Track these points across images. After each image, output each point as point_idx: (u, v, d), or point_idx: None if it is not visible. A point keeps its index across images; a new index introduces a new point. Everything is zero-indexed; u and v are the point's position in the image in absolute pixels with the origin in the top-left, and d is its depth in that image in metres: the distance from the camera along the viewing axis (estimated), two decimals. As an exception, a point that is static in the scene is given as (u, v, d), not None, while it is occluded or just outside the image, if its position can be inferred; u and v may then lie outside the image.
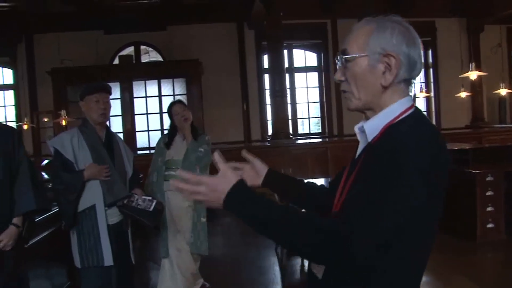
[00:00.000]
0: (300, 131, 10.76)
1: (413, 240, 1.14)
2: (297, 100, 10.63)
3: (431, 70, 10.60)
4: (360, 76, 1.19)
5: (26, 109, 9.59)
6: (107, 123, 3.12)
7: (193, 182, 1.14)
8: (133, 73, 9.45)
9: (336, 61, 1.24)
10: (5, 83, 10.12)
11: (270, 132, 9.58)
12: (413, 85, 1.23)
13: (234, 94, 9.96)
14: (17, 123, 9.50)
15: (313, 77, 10.70)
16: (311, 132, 10.87)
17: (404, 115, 1.17)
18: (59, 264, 3.96)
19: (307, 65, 10.70)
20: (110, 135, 3.05)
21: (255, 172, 1.54)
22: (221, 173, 1.13)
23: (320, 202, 1.40)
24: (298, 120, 10.75)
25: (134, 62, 9.76)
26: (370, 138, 1.21)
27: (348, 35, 1.22)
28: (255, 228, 1.13)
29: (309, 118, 10.90)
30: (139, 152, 8.74)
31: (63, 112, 8.17)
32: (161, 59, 9.95)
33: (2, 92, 10.14)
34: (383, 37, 1.14)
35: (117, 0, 8.64)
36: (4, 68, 10.08)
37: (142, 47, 10.28)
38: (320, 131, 10.79)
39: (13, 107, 10.00)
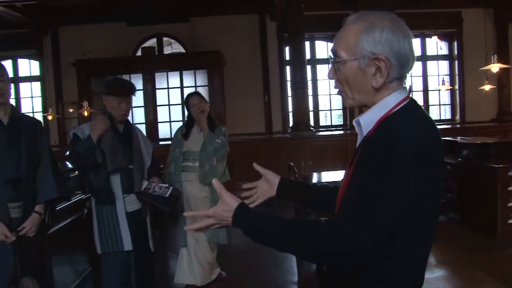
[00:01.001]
0: (322, 123, 10.70)
1: (411, 235, 1.14)
2: (319, 92, 10.56)
3: (456, 62, 10.35)
4: (351, 78, 1.20)
5: (52, 100, 9.80)
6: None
7: (203, 217, 1.32)
8: (155, 64, 9.53)
9: (329, 58, 1.26)
10: (32, 74, 10.34)
11: (291, 124, 9.56)
12: (406, 78, 1.23)
13: (255, 85, 9.94)
14: (43, 113, 9.74)
15: (335, 68, 10.57)
16: (333, 124, 10.80)
17: (398, 107, 1.17)
18: (81, 251, 4.08)
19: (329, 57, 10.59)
20: (129, 126, 3.13)
21: (268, 184, 1.59)
22: (221, 200, 1.28)
23: (333, 204, 1.42)
24: (320, 112, 10.69)
25: (156, 53, 9.85)
26: (365, 132, 1.21)
27: (339, 32, 1.22)
28: (259, 242, 1.23)
29: (330, 110, 10.82)
30: (161, 142, 8.85)
31: (85, 103, 8.34)
32: (184, 51, 10.01)
33: (29, 83, 10.38)
34: (372, 38, 1.14)
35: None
36: (31, 60, 10.30)
37: (165, 38, 10.36)
38: (342, 123, 10.72)
39: (40, 98, 10.23)
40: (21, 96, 10.33)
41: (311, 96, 9.81)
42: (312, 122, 9.67)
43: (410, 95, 1.23)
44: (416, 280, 1.21)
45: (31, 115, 10.07)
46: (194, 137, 3.77)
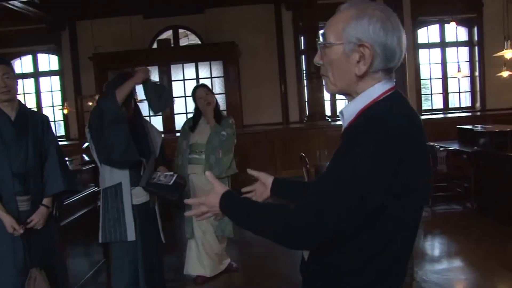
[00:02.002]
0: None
1: (388, 232, 1.14)
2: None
3: (476, 48, 10.06)
4: (335, 63, 1.19)
5: (70, 93, 9.97)
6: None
7: (197, 204, 1.38)
8: (171, 56, 9.58)
9: (317, 43, 1.25)
10: (52, 69, 10.51)
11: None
12: (393, 72, 1.20)
13: (272, 75, 9.88)
14: (62, 107, 9.92)
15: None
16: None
17: (380, 98, 1.16)
18: (95, 243, 4.15)
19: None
20: (139, 118, 3.16)
21: (263, 185, 1.60)
22: (212, 189, 1.33)
23: None
24: (338, 101, 10.57)
25: (172, 45, 9.88)
26: (345, 123, 1.21)
27: (331, 18, 1.21)
28: (241, 225, 1.28)
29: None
30: (177, 134, 8.88)
31: (96, 97, 8.47)
32: (200, 42, 10.03)
33: (49, 78, 10.56)
34: (360, 25, 1.13)
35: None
36: (50, 55, 10.46)
37: (182, 30, 10.39)
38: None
39: (59, 92, 10.39)
40: (41, 90, 10.52)
41: (328, 85, 9.70)
42: (329, 112, 9.60)
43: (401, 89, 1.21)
44: (396, 275, 1.21)
45: (51, 109, 10.33)
46: (201, 129, 3.79)
